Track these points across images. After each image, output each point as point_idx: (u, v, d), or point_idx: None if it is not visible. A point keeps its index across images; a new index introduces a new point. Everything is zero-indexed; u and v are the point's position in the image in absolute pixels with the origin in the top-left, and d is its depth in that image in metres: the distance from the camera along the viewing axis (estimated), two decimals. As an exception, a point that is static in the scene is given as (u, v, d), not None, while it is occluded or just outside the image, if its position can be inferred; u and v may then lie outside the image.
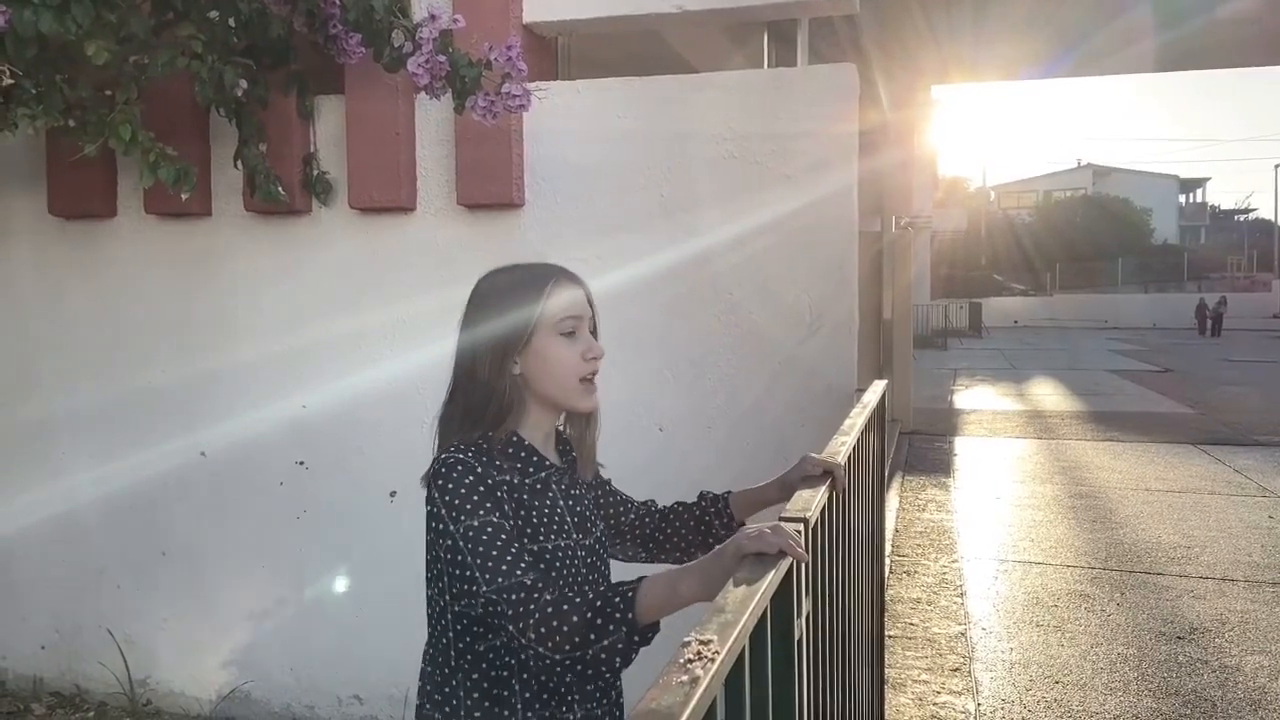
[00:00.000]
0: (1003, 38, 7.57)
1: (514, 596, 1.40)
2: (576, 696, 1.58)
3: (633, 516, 1.83)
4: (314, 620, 3.79)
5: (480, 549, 1.44)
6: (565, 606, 1.37)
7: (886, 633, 4.04)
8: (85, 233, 3.91)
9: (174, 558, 3.90)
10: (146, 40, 3.01)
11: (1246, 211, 65.23)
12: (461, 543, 1.46)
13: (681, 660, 0.82)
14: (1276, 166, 52.78)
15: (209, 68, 3.05)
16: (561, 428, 1.73)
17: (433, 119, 3.54)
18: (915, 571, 5.60)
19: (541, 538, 1.56)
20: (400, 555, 3.66)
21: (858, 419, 2.12)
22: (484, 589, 1.42)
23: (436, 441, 1.63)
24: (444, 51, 2.92)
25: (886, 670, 3.73)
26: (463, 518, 1.47)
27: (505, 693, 1.55)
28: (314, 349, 3.70)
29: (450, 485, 1.49)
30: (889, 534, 6.18)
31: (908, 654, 4.34)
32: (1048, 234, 45.91)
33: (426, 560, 1.59)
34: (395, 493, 3.61)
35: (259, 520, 3.81)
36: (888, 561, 5.59)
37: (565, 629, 1.35)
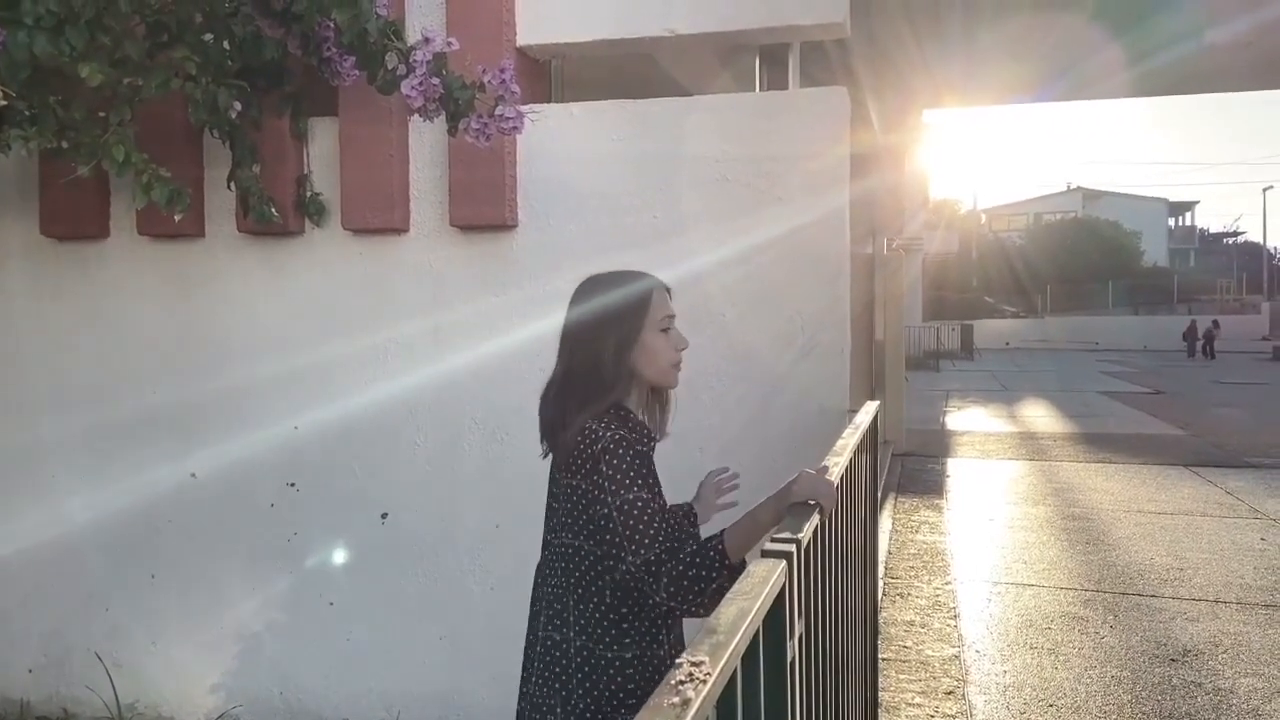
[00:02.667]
0: (993, 63, 7.62)
1: (650, 570, 1.73)
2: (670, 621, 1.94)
3: None
4: (304, 644, 3.76)
5: (630, 522, 1.75)
6: (676, 570, 1.72)
7: (880, 655, 4.03)
8: (78, 254, 3.91)
9: (163, 580, 3.88)
10: (141, 62, 3.02)
11: (1235, 235, 65.57)
12: (615, 513, 1.76)
13: (673, 682, 0.81)
14: (1265, 190, 53.00)
15: (203, 89, 3.07)
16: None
17: (426, 141, 3.55)
18: (908, 594, 5.58)
19: (659, 495, 1.85)
20: (391, 578, 3.65)
21: (850, 440, 2.12)
22: (629, 559, 1.74)
23: (560, 415, 1.89)
24: (438, 74, 2.94)
25: (880, 693, 3.71)
26: (621, 491, 1.77)
27: (651, 628, 1.88)
28: (306, 370, 3.69)
29: (615, 461, 1.79)
30: (882, 556, 6.16)
31: (901, 677, 4.32)
32: (1038, 256, 46.10)
33: (579, 519, 1.85)
34: (386, 515, 3.59)
35: (249, 542, 3.79)
36: (880, 583, 5.57)
37: (684, 590, 1.71)
